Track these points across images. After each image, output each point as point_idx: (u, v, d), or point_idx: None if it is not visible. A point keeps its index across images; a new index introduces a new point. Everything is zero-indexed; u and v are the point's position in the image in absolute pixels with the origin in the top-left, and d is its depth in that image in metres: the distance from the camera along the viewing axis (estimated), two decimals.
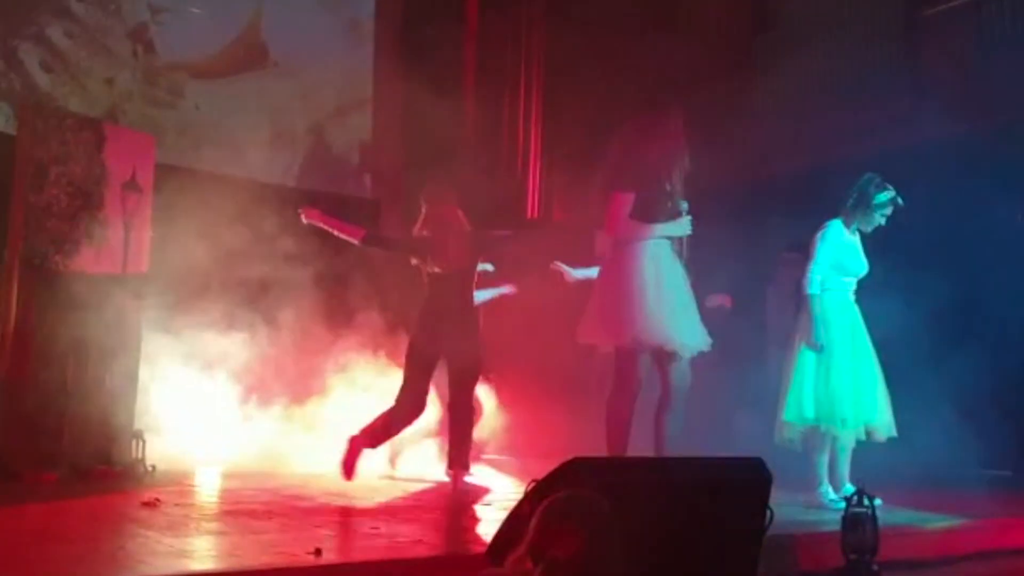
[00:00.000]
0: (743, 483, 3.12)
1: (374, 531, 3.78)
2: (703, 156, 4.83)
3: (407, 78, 8.69)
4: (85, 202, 5.77)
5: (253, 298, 6.92)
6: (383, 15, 9.40)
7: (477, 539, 3.67)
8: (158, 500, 4.39)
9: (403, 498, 5.04)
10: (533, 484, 2.85)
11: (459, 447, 5.39)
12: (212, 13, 8.55)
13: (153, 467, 5.68)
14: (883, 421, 4.84)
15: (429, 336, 5.42)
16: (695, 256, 5.79)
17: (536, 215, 8.52)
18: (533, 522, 2.49)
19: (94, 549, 3.33)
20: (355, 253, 6.08)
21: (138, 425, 5.80)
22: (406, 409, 5.42)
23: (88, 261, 5.68)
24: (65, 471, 5.36)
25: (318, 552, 3.18)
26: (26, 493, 4.71)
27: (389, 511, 4.43)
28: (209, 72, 8.58)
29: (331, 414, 6.47)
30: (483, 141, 8.59)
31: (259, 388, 6.94)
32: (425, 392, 5.47)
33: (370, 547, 3.45)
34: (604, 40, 7.60)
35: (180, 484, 5.34)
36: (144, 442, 5.71)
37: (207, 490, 5.33)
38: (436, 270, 5.49)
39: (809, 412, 4.86)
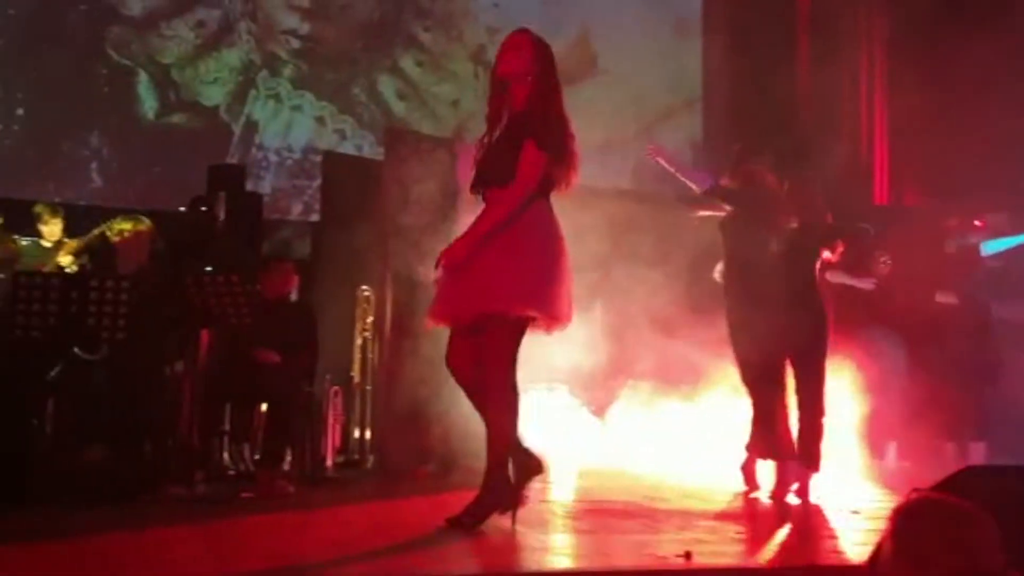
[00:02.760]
0: None
1: (739, 535, 3.72)
2: None
3: (737, 71, 8.51)
4: (442, 216, 6.19)
5: (603, 300, 7.07)
6: (711, 10, 9.29)
7: (845, 548, 3.50)
8: (524, 496, 4.59)
9: (760, 499, 4.90)
10: (915, 494, 2.65)
11: (807, 441, 4.98)
12: (543, 28, 8.86)
13: None
14: None
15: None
16: None
17: (885, 201, 7.98)
18: (889, 527, 2.30)
19: (475, 541, 3.55)
20: (704, 248, 5.93)
21: None
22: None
23: None
24: (436, 465, 5.80)
25: (688, 556, 3.17)
26: (407, 487, 5.14)
27: (750, 514, 4.34)
28: None
29: (683, 416, 6.48)
30: (821, 125, 8.19)
31: (603, 388, 7.11)
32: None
33: (739, 552, 3.39)
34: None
35: (539, 481, 5.55)
36: None
37: (564, 487, 5.50)
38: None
39: None
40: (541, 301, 3.61)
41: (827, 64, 8.61)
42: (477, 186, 3.78)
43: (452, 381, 4.53)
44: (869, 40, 8.45)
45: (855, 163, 8.23)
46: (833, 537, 3.97)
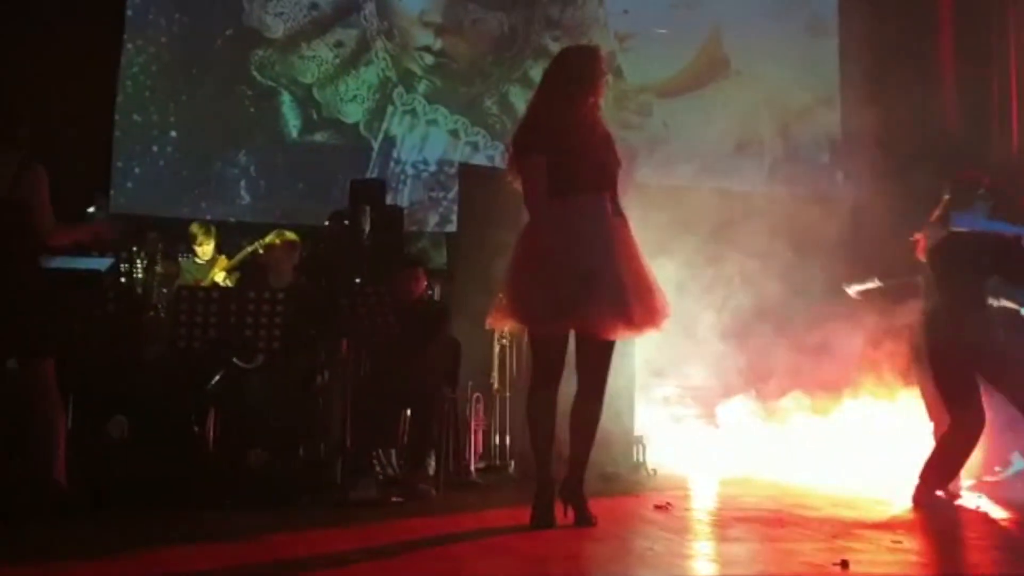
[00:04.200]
0: None
1: (896, 545, 3.60)
2: None
3: (876, 65, 8.24)
4: None
5: (735, 307, 6.97)
6: (847, 6, 9.03)
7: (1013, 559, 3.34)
8: (669, 504, 4.58)
9: (915, 509, 4.71)
10: None
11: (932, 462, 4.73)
12: (674, 32, 8.84)
13: (654, 471, 5.97)
14: None
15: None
16: None
17: None
18: None
19: (626, 548, 3.57)
20: (845, 258, 5.79)
21: (637, 431, 6.15)
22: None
23: None
24: None
25: (844, 564, 3.09)
26: None
27: (906, 524, 4.19)
28: (674, 89, 8.89)
29: (823, 423, 6.33)
30: (969, 120, 7.84)
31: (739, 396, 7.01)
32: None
33: (898, 561, 3.28)
34: None
35: (681, 488, 5.53)
36: (644, 447, 6.04)
37: (709, 495, 5.45)
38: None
39: None
40: None
41: (973, 59, 8.25)
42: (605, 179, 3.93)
43: None
44: (1019, 32, 8.05)
45: (1008, 162, 7.85)
46: (999, 548, 3.80)
